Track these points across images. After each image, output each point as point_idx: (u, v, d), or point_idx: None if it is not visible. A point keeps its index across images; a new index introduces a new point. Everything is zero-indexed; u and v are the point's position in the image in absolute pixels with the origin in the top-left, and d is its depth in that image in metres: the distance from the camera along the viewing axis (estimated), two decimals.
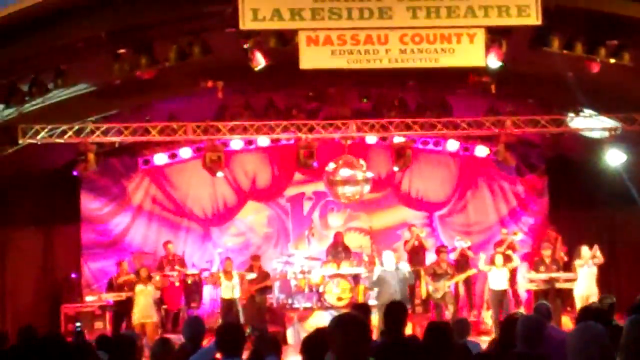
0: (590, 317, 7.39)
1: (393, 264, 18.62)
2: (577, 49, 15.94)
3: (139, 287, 19.13)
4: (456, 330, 11.10)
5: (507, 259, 20.46)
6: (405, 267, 19.02)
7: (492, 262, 20.17)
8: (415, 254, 21.84)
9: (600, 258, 19.64)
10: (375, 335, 10.42)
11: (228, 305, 20.36)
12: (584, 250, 19.70)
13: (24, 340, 9.47)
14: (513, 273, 21.15)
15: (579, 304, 18.85)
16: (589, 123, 20.28)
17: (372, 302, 19.30)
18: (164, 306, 20.87)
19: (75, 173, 20.12)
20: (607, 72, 16.64)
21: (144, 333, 18.24)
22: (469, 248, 21.94)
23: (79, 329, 19.35)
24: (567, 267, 20.54)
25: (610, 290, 19.29)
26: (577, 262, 19.81)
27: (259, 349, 7.98)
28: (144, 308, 18.96)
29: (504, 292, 20.08)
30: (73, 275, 21.87)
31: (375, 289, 18.84)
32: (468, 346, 10.05)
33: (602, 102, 19.53)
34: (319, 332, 7.65)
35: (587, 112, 20.14)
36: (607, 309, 10.03)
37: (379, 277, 18.65)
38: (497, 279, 19.94)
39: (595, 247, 19.74)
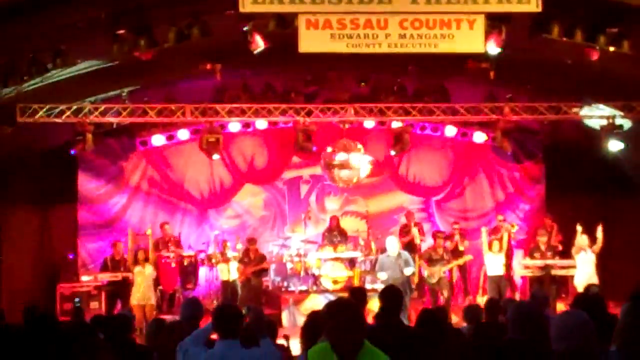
0: (584, 305, 7.43)
1: (396, 250, 18.48)
2: (577, 36, 15.91)
3: (137, 269, 19.11)
4: (468, 316, 11.16)
5: (501, 240, 20.54)
6: (406, 254, 18.96)
7: (489, 247, 20.20)
8: (410, 242, 21.83)
9: (599, 241, 19.48)
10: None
11: (227, 287, 20.45)
12: (583, 240, 19.56)
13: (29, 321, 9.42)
14: (509, 258, 21.21)
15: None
16: (588, 111, 20.27)
17: (368, 286, 19.35)
18: (160, 287, 20.91)
19: (73, 153, 20.11)
20: (607, 60, 16.64)
21: (142, 314, 18.28)
22: (461, 237, 21.96)
23: (78, 304, 19.42)
24: (563, 254, 20.54)
25: (607, 278, 19.39)
26: (574, 250, 19.72)
27: (253, 331, 7.99)
28: (143, 290, 18.96)
29: (501, 277, 20.06)
30: (70, 256, 21.87)
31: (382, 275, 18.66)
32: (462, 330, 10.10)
33: (601, 90, 19.54)
34: (314, 315, 7.69)
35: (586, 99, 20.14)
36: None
37: (380, 264, 18.54)
38: (493, 265, 19.94)
39: (599, 229, 19.58)
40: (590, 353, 5.40)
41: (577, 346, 5.41)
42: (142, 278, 18.98)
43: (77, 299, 19.73)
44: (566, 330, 5.52)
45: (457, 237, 21.92)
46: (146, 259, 19.19)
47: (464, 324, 11.20)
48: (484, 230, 20.41)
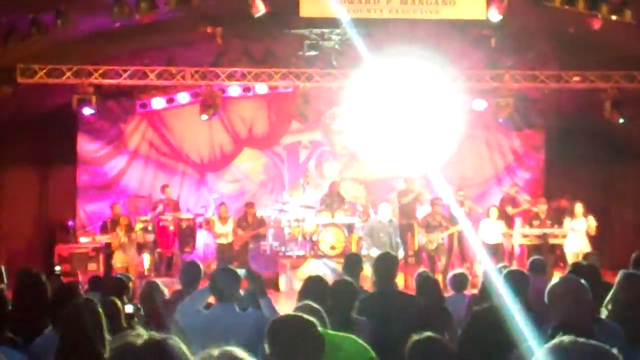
0: (580, 273, 7.46)
1: (388, 217, 18.61)
2: (579, 4, 15.87)
3: (121, 238, 19.21)
4: (454, 284, 11.14)
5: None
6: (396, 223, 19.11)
7: (487, 215, 20.26)
8: (408, 207, 21.76)
9: (592, 228, 19.48)
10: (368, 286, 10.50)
11: (223, 250, 20.50)
12: (578, 208, 19.50)
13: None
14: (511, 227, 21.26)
15: (570, 260, 18.77)
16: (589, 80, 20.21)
17: (365, 252, 19.33)
18: (158, 250, 20.96)
19: (85, 113, 20.09)
20: (608, 29, 16.59)
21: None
22: (460, 189, 21.93)
23: (58, 272, 19.42)
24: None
25: (604, 247, 19.40)
26: (567, 219, 19.63)
27: (251, 294, 8.01)
28: (125, 257, 19.10)
29: (498, 245, 20.12)
30: (70, 223, 21.80)
31: (368, 240, 18.85)
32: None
33: (603, 59, 19.50)
34: (311, 280, 7.71)
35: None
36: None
37: (370, 228, 18.76)
38: (490, 233, 19.99)
39: (590, 217, 19.54)
40: (585, 319, 5.43)
41: (571, 312, 5.43)
42: (123, 248, 19.11)
43: (57, 267, 19.66)
44: (561, 297, 5.54)
45: (468, 203, 21.70)
46: (129, 227, 19.35)
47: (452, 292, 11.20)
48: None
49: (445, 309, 9.18)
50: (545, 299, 5.63)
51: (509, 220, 21.17)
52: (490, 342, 5.60)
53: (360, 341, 5.78)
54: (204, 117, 20.50)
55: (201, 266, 9.53)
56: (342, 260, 14.30)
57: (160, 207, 21.29)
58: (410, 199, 21.66)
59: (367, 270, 13.74)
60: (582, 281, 5.68)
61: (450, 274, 11.79)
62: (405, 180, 22.46)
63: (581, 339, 2.94)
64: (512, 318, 5.97)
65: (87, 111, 19.80)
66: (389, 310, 7.93)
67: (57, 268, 19.22)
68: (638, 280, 6.34)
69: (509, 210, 21.23)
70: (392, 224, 18.66)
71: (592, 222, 19.34)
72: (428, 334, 5.34)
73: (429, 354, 5.18)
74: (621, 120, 19.66)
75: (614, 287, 6.28)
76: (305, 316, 4.98)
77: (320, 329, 4.95)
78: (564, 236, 19.82)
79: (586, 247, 19.10)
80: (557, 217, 20.76)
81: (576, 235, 19.18)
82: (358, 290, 7.83)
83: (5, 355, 5.10)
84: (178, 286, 17.00)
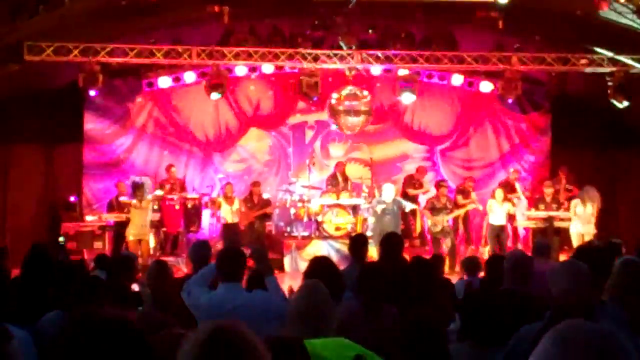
0: (585, 256, 7.46)
1: (391, 196, 18.65)
2: None
3: (134, 205, 19.14)
4: (466, 268, 11.21)
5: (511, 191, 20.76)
6: (404, 202, 19.16)
7: (492, 196, 20.28)
8: (414, 197, 21.78)
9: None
10: None
11: (229, 229, 20.53)
12: (587, 192, 19.54)
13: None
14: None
15: (575, 242, 18.84)
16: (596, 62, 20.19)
17: (370, 233, 19.38)
18: (163, 229, 21.02)
19: (79, 92, 20.10)
20: (617, 12, 16.54)
21: (138, 249, 18.34)
22: (471, 181, 21.88)
23: (62, 243, 19.47)
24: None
25: (610, 231, 19.41)
26: (573, 202, 19.73)
27: (257, 273, 8.02)
28: (139, 226, 18.99)
29: (502, 227, 20.13)
30: (74, 199, 21.80)
31: (372, 221, 18.92)
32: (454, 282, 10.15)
33: (610, 42, 19.46)
34: (316, 261, 7.70)
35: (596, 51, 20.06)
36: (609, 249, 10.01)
37: (374, 210, 18.85)
38: (495, 214, 20.01)
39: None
40: (586, 303, 5.44)
41: (572, 296, 5.44)
42: (139, 215, 19.02)
43: (61, 238, 19.77)
44: (561, 280, 5.56)
45: (473, 196, 21.61)
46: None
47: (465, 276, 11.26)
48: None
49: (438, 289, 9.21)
50: (549, 282, 5.65)
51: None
52: (490, 325, 5.62)
53: (346, 342, 5.54)
54: (214, 96, 20.43)
55: (210, 246, 9.56)
56: (347, 241, 14.35)
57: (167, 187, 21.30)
58: (419, 193, 21.78)
59: (372, 251, 13.82)
60: (582, 264, 5.69)
61: (463, 258, 11.85)
62: (418, 169, 22.48)
63: (586, 322, 2.95)
64: (515, 300, 6.00)
65: (93, 89, 19.84)
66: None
67: (61, 239, 19.34)
68: (636, 267, 6.34)
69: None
70: (396, 203, 18.70)
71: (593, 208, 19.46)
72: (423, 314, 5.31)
73: (421, 333, 5.15)
74: (627, 103, 19.64)
75: (611, 276, 6.27)
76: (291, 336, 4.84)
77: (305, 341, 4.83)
78: (567, 219, 19.88)
79: (591, 229, 19.16)
80: (558, 193, 20.87)
81: (579, 217, 19.28)
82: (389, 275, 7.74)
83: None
84: (183, 265, 17.18)
